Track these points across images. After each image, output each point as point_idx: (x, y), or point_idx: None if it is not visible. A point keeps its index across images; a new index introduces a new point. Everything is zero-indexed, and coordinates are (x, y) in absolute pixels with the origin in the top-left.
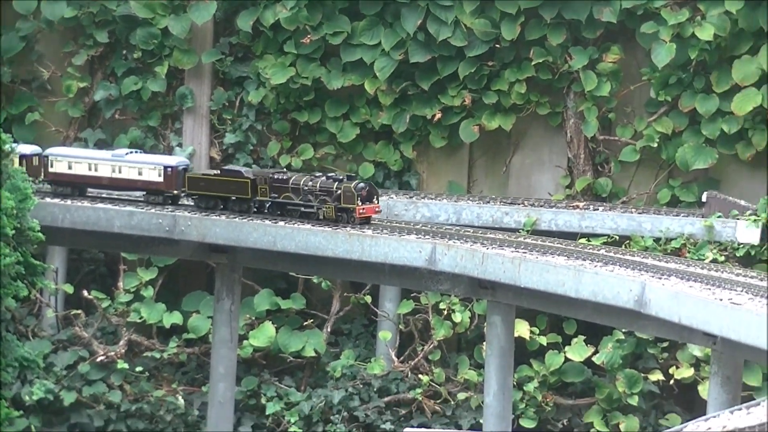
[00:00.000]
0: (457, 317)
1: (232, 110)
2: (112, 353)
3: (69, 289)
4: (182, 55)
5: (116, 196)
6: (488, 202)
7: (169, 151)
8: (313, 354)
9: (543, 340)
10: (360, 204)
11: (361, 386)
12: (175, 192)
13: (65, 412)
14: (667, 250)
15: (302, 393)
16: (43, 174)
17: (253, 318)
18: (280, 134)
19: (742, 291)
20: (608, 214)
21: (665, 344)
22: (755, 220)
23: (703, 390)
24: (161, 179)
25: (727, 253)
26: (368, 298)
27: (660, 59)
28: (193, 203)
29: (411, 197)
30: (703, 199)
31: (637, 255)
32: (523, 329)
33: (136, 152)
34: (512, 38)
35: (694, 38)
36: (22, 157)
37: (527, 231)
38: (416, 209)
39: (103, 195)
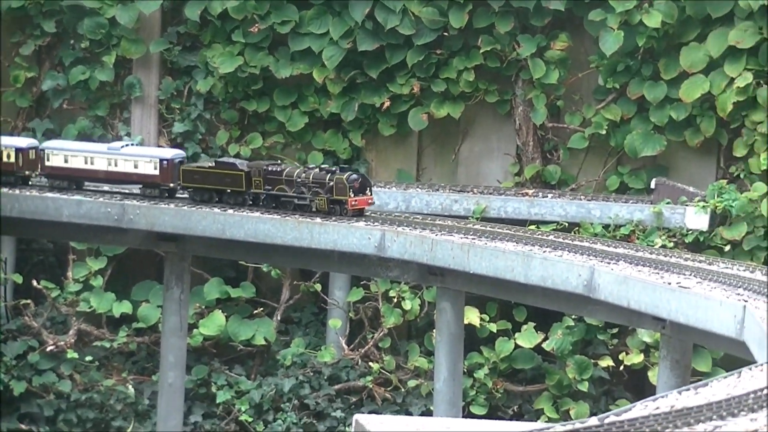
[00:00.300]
0: (407, 305)
1: (180, 99)
2: (62, 343)
3: (18, 279)
4: (130, 45)
5: (107, 189)
6: (437, 189)
7: (117, 139)
8: (263, 342)
9: (493, 327)
10: (352, 196)
11: (312, 374)
12: (171, 185)
13: (15, 402)
14: (616, 237)
15: (252, 381)
16: (39, 168)
17: (203, 307)
18: (228, 123)
19: (690, 275)
20: (557, 201)
21: (615, 330)
22: (704, 207)
23: (653, 376)
24: (157, 172)
25: (676, 240)
26: (318, 287)
27: (608, 47)
28: (188, 196)
29: None
30: (652, 185)
31: (587, 240)
32: (473, 316)
33: (132, 145)
34: (460, 26)
35: (641, 25)
36: (18, 150)
37: (476, 218)
38: None
39: (103, 188)
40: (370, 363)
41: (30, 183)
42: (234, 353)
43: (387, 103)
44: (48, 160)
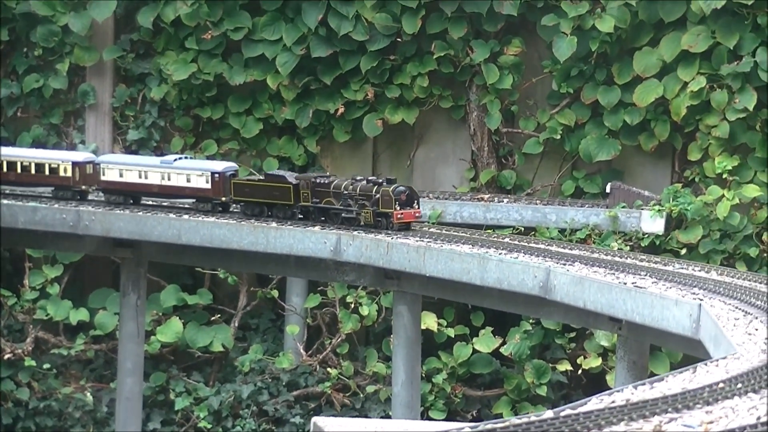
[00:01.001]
0: (364, 310)
1: (134, 107)
2: (19, 350)
3: None
4: (83, 53)
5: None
6: None
7: (72, 148)
8: (221, 349)
9: (451, 332)
10: (398, 209)
11: (270, 380)
12: (224, 199)
13: None
14: (572, 241)
15: (211, 388)
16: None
17: (160, 314)
18: (183, 130)
19: (646, 275)
20: (513, 206)
21: (573, 334)
22: (659, 210)
23: (611, 379)
24: (209, 186)
25: (632, 243)
26: (275, 293)
27: (561, 52)
28: (240, 210)
29: None
30: (607, 190)
31: (542, 243)
32: (430, 321)
33: (185, 158)
34: (413, 32)
35: (594, 30)
36: (75, 164)
37: (433, 223)
38: None
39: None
40: (329, 369)
41: (87, 198)
42: (192, 360)
43: (341, 110)
44: (104, 174)
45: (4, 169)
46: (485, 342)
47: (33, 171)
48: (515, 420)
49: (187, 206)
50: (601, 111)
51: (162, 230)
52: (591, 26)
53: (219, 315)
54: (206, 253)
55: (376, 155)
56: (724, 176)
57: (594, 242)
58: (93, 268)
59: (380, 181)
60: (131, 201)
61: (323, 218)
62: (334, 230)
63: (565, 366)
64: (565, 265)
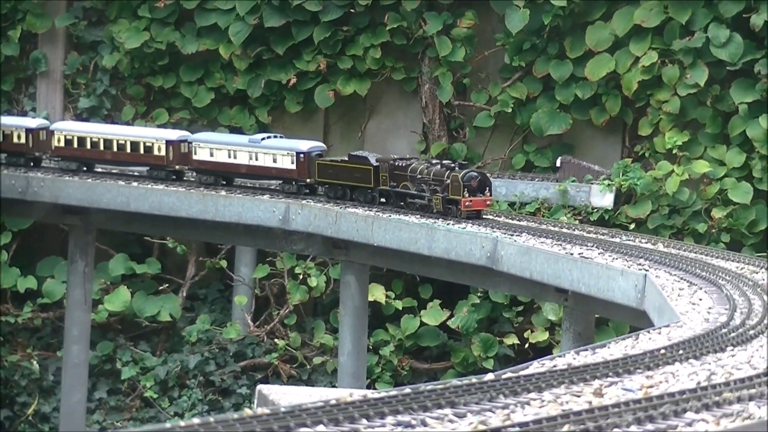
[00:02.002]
0: (312, 282)
1: (86, 75)
2: None
3: None
4: (36, 19)
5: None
6: None
7: (23, 115)
8: (168, 319)
9: (399, 305)
10: (467, 196)
11: (217, 351)
12: (308, 180)
13: None
14: (522, 214)
15: (158, 358)
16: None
17: (108, 283)
18: (134, 99)
19: (593, 246)
20: None
21: (520, 308)
22: (609, 185)
23: (558, 353)
24: (294, 166)
25: (581, 218)
26: (224, 263)
27: (514, 25)
28: (323, 193)
29: None
30: (558, 164)
31: (491, 214)
32: (379, 294)
33: (273, 137)
34: (367, 3)
35: (547, 4)
36: (168, 143)
37: None
38: None
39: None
40: (276, 340)
41: (184, 179)
42: (139, 329)
43: (293, 80)
44: (195, 153)
45: (60, 144)
46: (433, 315)
47: (129, 150)
48: (456, 382)
49: (137, 173)
50: (553, 85)
51: (111, 197)
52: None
53: (167, 285)
54: (155, 221)
55: (327, 126)
56: (674, 152)
57: (543, 216)
58: (41, 236)
59: (453, 165)
60: (224, 182)
61: (402, 203)
62: (282, 199)
63: (512, 340)
64: (512, 235)
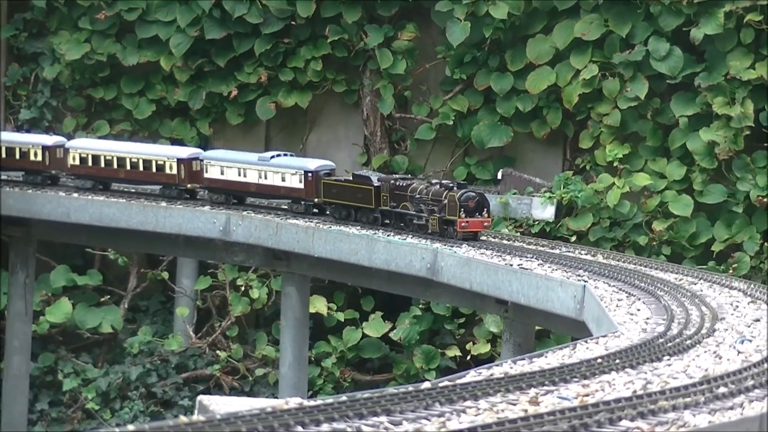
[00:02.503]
0: (254, 293)
1: (27, 86)
2: None
3: None
4: None
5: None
6: None
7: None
8: (110, 330)
9: (341, 316)
10: (463, 216)
11: (159, 362)
12: (316, 200)
13: None
14: None
15: (99, 369)
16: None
17: (50, 294)
18: (75, 110)
19: (532, 257)
20: None
21: (462, 320)
22: (550, 198)
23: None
24: (302, 186)
25: (522, 230)
26: (165, 275)
27: (455, 37)
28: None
29: None
30: (499, 176)
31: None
32: (321, 305)
33: (284, 155)
34: (308, 15)
35: (488, 17)
36: (179, 161)
37: None
38: None
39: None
40: (218, 351)
41: (197, 197)
42: (81, 341)
43: (234, 92)
44: (206, 171)
45: (75, 162)
46: (375, 327)
47: (141, 168)
48: (392, 390)
49: (76, 186)
50: (494, 97)
51: (51, 208)
52: (485, 12)
53: (109, 296)
54: (96, 232)
55: (268, 138)
56: (615, 164)
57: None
58: None
59: (451, 185)
60: (235, 201)
61: (402, 224)
62: (223, 210)
63: (454, 352)
64: (452, 247)
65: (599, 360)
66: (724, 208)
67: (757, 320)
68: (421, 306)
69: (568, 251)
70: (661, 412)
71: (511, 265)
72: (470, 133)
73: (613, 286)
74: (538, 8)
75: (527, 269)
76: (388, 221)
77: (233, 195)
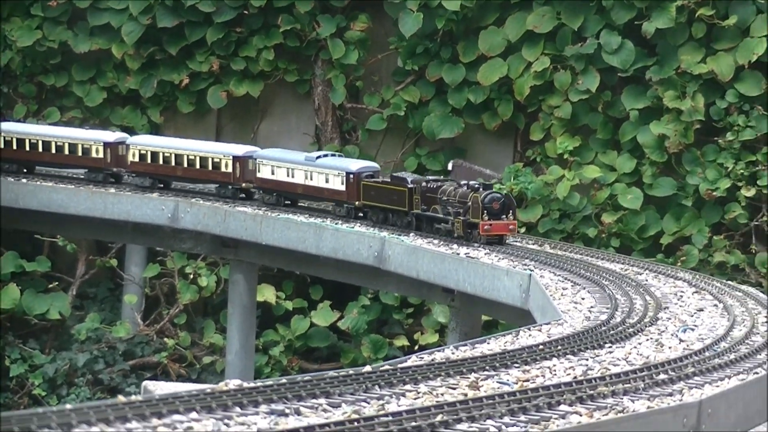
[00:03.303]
0: (203, 281)
1: None
2: None
3: None
4: None
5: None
6: None
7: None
8: (57, 317)
9: (289, 305)
10: (486, 219)
11: (106, 349)
12: (357, 203)
13: None
14: None
15: (47, 356)
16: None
17: None
18: (26, 97)
19: (479, 247)
20: None
21: (410, 310)
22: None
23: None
24: (343, 188)
25: None
26: (114, 262)
27: (407, 28)
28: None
29: None
30: (449, 167)
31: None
32: (269, 294)
33: (331, 155)
34: (260, 5)
35: (441, 8)
36: (235, 159)
37: None
38: None
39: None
40: (166, 339)
41: (254, 198)
42: (28, 327)
43: (186, 81)
44: (259, 171)
45: (135, 159)
46: (323, 316)
47: (198, 166)
48: (332, 373)
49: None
50: (446, 89)
51: None
52: (437, 4)
53: (57, 283)
54: (44, 217)
55: (219, 127)
56: (566, 157)
57: None
58: None
59: (477, 186)
60: (287, 202)
61: (432, 228)
62: (172, 197)
63: (402, 341)
64: (400, 236)
65: (541, 346)
66: (673, 202)
67: (701, 310)
68: (369, 296)
69: (515, 241)
70: (600, 398)
71: (458, 253)
72: (421, 124)
73: (559, 275)
74: (490, 0)
75: (474, 258)
76: (420, 225)
77: (284, 196)
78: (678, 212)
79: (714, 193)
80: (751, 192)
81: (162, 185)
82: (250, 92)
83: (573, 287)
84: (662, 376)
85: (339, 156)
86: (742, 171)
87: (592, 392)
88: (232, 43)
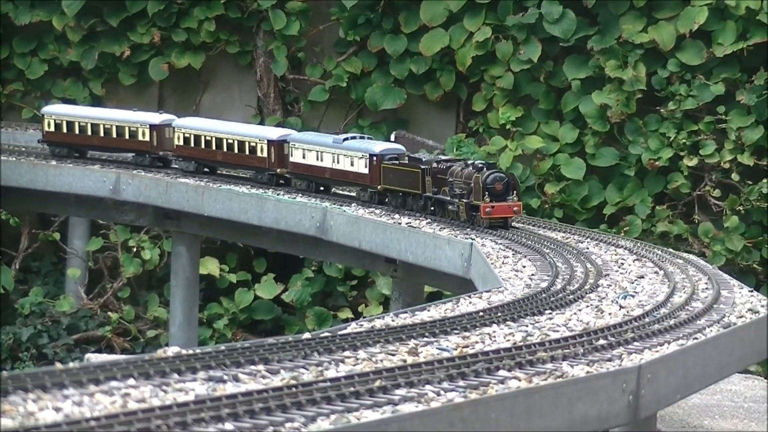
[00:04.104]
0: (146, 254)
1: None
2: None
3: None
4: None
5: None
6: None
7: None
8: (1, 291)
9: (233, 278)
10: (488, 201)
11: (50, 323)
12: (379, 187)
13: None
14: None
15: None
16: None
17: None
18: None
19: (421, 217)
20: None
21: (354, 282)
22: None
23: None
24: (367, 171)
25: None
26: (57, 235)
27: None
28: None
29: None
30: (392, 138)
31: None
32: (213, 267)
33: (359, 137)
34: None
35: None
36: (270, 143)
37: None
38: None
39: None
40: (109, 313)
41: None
42: None
43: (127, 53)
44: (292, 155)
45: (179, 142)
46: (267, 288)
47: (237, 150)
48: (270, 340)
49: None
50: (388, 60)
51: None
52: None
53: (0, 257)
54: None
55: (161, 99)
56: (508, 127)
57: None
58: None
59: (481, 165)
60: (321, 188)
61: (442, 213)
62: (113, 169)
63: (346, 314)
64: (342, 206)
65: (481, 313)
66: (616, 172)
67: (641, 277)
68: (313, 268)
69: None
70: (539, 363)
71: (400, 223)
72: (364, 95)
73: (500, 244)
74: None
75: (416, 228)
76: (433, 209)
77: (314, 182)
78: (621, 182)
79: (656, 163)
80: (693, 162)
81: (207, 170)
82: (192, 64)
83: (514, 255)
84: (602, 342)
85: (368, 138)
86: (684, 141)
87: (531, 358)
88: (173, 14)
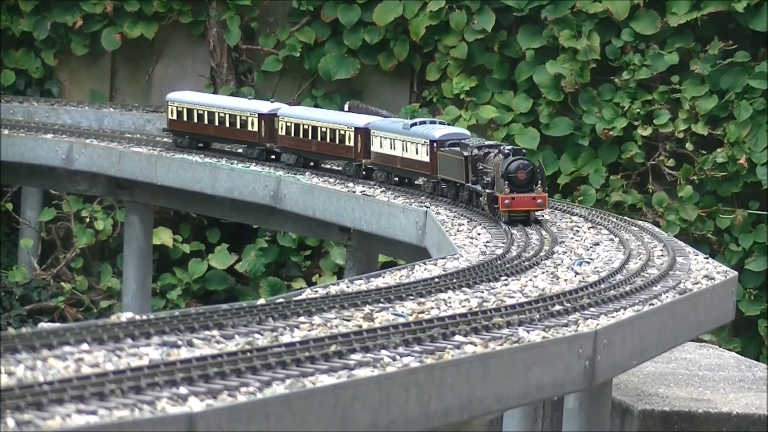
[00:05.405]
0: (99, 225)
1: None
2: None
3: None
4: None
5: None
6: (131, 110)
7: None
8: None
9: (186, 248)
10: (508, 192)
11: (3, 294)
12: (439, 177)
13: None
14: None
15: None
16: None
17: None
18: None
19: (375, 185)
20: None
21: (308, 252)
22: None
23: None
24: (428, 159)
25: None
26: (9, 206)
27: None
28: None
29: (52, 104)
30: (346, 108)
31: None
32: (166, 237)
33: (430, 122)
34: None
35: None
36: (357, 131)
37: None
38: (57, 116)
39: None
40: (62, 283)
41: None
42: None
43: (80, 23)
44: (373, 144)
45: (282, 132)
46: (221, 259)
47: (328, 140)
48: (225, 306)
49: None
50: (341, 30)
51: None
52: None
53: None
54: None
55: (114, 70)
56: (462, 97)
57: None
58: None
59: (507, 151)
60: (403, 180)
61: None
62: (66, 138)
63: (300, 284)
64: (296, 174)
65: (436, 279)
66: (570, 141)
67: (597, 244)
68: (266, 238)
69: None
70: (495, 328)
71: (354, 191)
72: (317, 65)
73: (455, 212)
74: None
75: (370, 196)
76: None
77: (391, 173)
78: (575, 152)
79: (610, 133)
80: (647, 131)
81: (312, 163)
82: (144, 34)
83: (469, 223)
84: (557, 308)
85: (439, 123)
86: (638, 110)
87: (486, 323)
88: None
